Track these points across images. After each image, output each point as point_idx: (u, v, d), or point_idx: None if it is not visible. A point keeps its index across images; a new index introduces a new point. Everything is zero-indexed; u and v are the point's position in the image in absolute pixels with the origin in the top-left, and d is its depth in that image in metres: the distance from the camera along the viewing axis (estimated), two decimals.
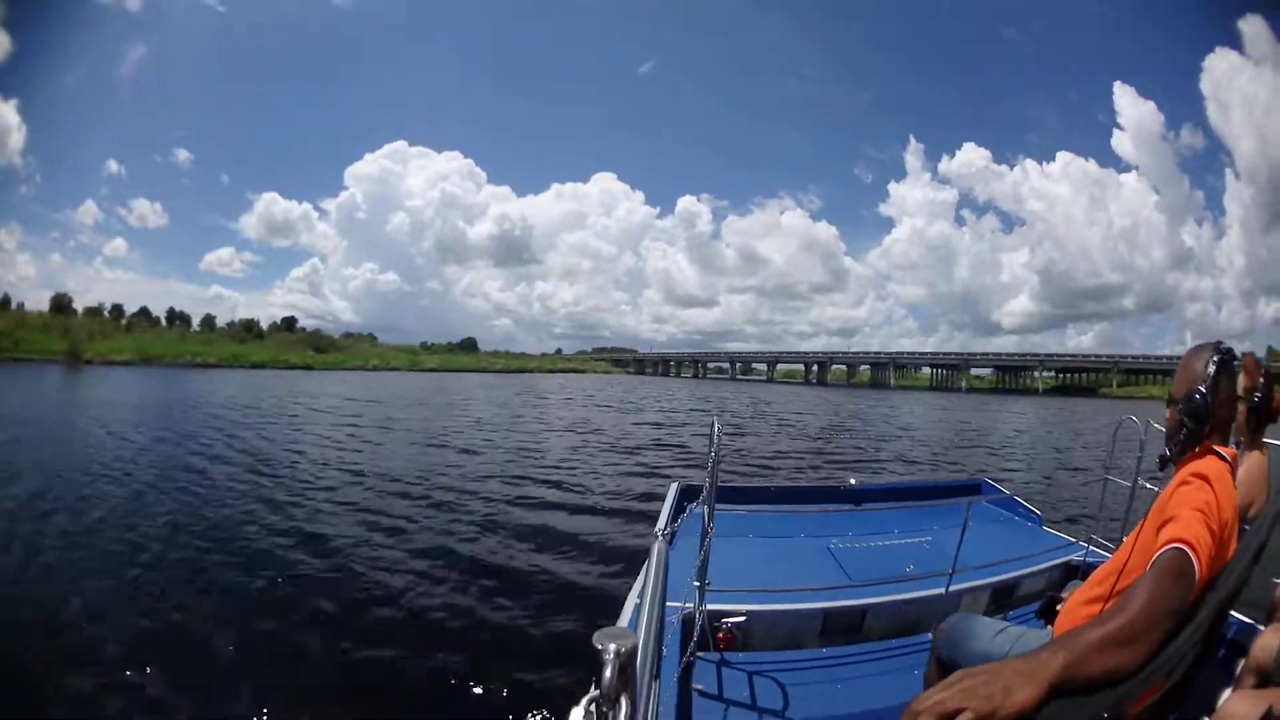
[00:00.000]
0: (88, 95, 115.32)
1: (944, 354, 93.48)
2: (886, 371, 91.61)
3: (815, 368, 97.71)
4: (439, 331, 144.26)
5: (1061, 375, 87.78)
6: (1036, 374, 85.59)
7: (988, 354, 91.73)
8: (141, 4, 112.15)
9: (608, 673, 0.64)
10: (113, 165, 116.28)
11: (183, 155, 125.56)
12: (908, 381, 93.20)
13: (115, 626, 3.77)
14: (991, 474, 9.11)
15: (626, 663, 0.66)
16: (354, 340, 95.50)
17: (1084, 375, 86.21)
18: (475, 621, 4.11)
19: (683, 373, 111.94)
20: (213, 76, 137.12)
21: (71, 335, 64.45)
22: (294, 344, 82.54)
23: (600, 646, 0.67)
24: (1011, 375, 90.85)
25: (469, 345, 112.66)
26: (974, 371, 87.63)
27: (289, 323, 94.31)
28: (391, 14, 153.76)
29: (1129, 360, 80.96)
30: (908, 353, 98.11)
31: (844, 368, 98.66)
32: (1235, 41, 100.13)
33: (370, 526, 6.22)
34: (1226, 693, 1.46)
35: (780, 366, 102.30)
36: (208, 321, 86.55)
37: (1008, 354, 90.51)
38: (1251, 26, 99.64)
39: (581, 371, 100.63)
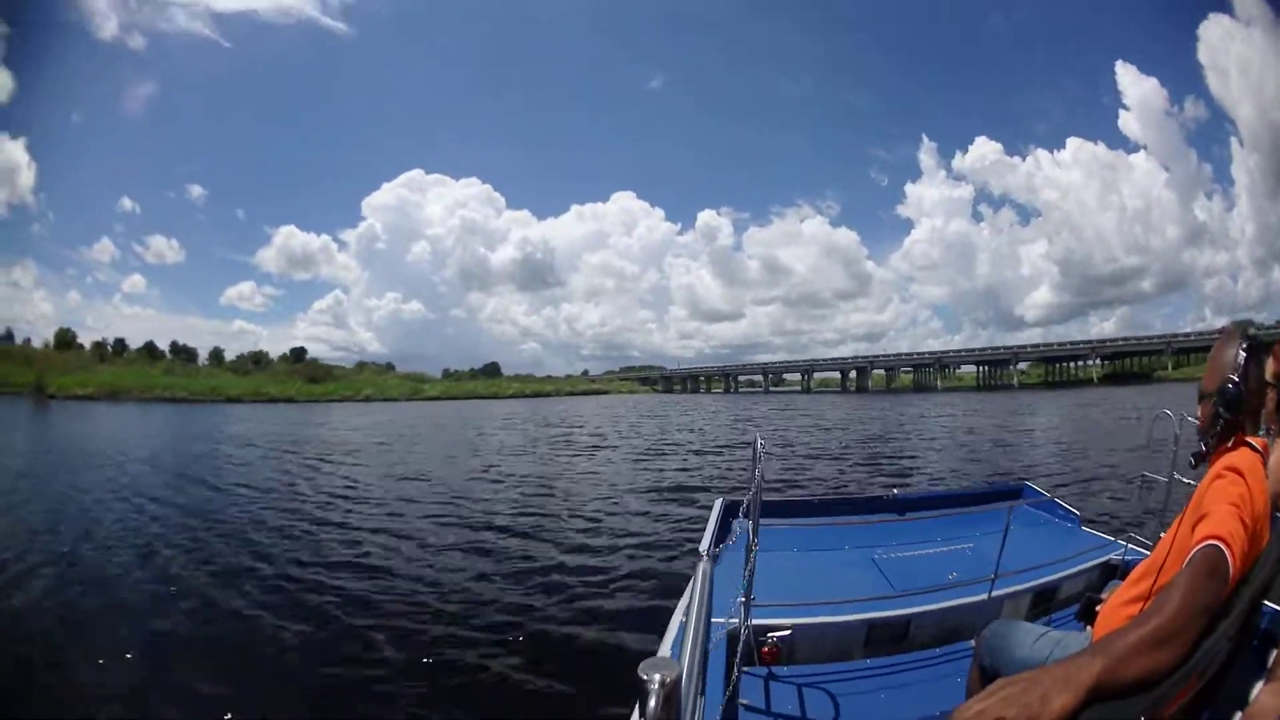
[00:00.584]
0: (96, 133, 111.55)
1: (990, 349, 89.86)
2: (930, 373, 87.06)
3: (854, 374, 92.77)
4: (465, 358, 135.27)
5: (1109, 361, 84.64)
6: (1089, 362, 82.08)
7: (1037, 345, 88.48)
8: (145, 42, 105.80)
9: (652, 702, 0.64)
10: (126, 202, 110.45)
11: (196, 191, 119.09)
12: (951, 382, 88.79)
13: None
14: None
15: (671, 692, 0.66)
16: (354, 371, 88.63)
17: (1135, 360, 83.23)
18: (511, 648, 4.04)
19: (713, 388, 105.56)
20: (222, 111, 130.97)
21: (37, 368, 62.00)
22: (287, 375, 75.89)
23: (645, 677, 0.66)
24: (1059, 366, 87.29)
25: (491, 370, 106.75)
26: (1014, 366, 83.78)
27: (298, 354, 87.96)
28: (397, 43, 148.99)
29: (1180, 339, 78.58)
30: (952, 351, 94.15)
31: (882, 372, 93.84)
32: (1226, 5, 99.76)
33: None
34: (1258, 685, 1.40)
35: (815, 375, 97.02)
36: (216, 355, 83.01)
37: (1057, 343, 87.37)
38: None
39: (605, 393, 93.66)
